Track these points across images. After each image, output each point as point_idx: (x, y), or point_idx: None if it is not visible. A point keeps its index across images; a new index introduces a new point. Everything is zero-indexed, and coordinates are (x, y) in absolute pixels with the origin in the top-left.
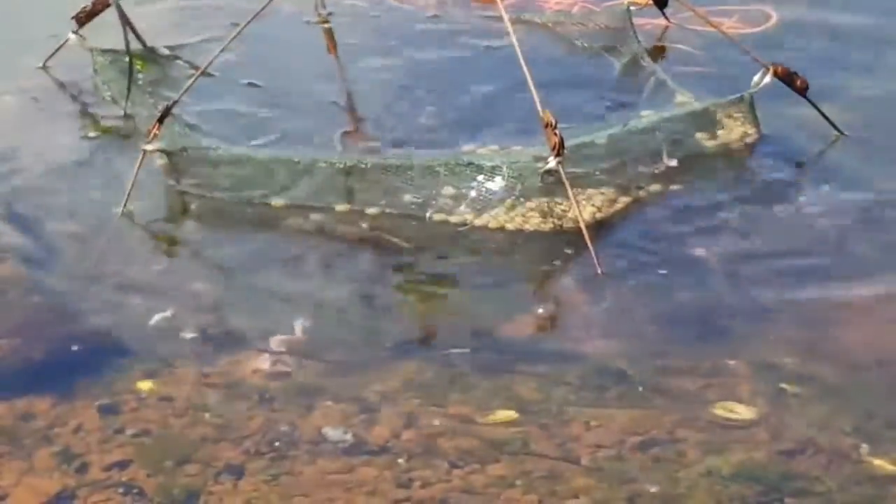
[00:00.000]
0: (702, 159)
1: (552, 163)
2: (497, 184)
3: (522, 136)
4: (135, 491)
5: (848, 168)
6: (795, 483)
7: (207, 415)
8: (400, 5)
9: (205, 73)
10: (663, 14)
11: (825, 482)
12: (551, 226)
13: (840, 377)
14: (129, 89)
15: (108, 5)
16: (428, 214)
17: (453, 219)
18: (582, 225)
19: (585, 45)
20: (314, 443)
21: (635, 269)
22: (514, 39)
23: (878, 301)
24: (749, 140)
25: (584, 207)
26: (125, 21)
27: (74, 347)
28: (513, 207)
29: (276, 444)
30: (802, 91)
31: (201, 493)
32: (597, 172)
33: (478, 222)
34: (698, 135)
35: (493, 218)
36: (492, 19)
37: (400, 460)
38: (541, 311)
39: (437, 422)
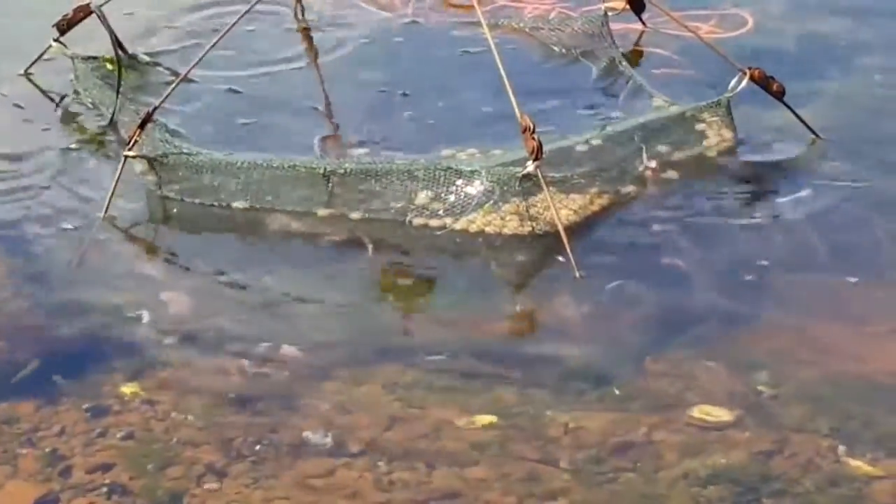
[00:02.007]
0: (679, 163)
1: (530, 167)
2: (476, 188)
3: (501, 141)
4: (118, 494)
5: (824, 171)
6: (773, 484)
7: (190, 418)
8: (378, 10)
9: (185, 79)
10: (640, 19)
11: (803, 483)
12: (529, 229)
13: (817, 379)
14: (117, 95)
15: (90, 13)
16: (407, 219)
17: (433, 223)
18: (560, 228)
19: (563, 50)
20: (295, 446)
21: (613, 272)
22: (491, 44)
23: (856, 303)
24: (726, 144)
25: (561, 211)
26: (108, 28)
27: (57, 351)
28: (491, 211)
29: (258, 447)
30: (779, 95)
31: (184, 496)
32: (575, 176)
33: (457, 226)
34: (675, 138)
35: (472, 222)
36: (469, 24)
37: (380, 463)
38: (519, 314)
39: (417, 425)
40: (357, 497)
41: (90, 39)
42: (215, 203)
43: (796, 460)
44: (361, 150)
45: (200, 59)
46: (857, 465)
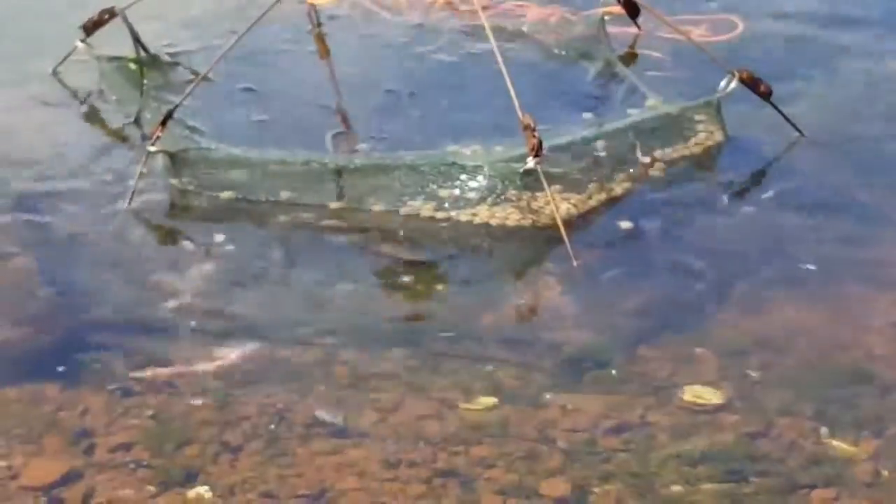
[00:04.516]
0: (672, 160)
1: (531, 163)
2: (479, 182)
3: (503, 138)
4: (138, 471)
5: (807, 167)
6: (759, 464)
7: (207, 399)
8: (387, 15)
9: (204, 79)
10: (635, 23)
11: (787, 463)
12: (530, 222)
13: (801, 365)
14: (141, 94)
15: (114, 16)
16: (414, 210)
17: (438, 215)
18: (558, 221)
19: (562, 52)
20: (307, 426)
21: (609, 262)
22: (494, 46)
23: (838, 293)
24: (715, 141)
25: (560, 204)
26: (132, 31)
27: (81, 336)
28: (494, 204)
29: (272, 426)
30: (766, 95)
31: (201, 473)
32: (573, 172)
33: (461, 218)
34: (668, 136)
35: (476, 214)
36: (474, 27)
37: (388, 442)
38: (520, 301)
39: (422, 406)
40: (365, 474)
41: (115, 40)
42: (232, 195)
43: (781, 441)
44: (371, 146)
45: (219, 60)
46: (839, 445)
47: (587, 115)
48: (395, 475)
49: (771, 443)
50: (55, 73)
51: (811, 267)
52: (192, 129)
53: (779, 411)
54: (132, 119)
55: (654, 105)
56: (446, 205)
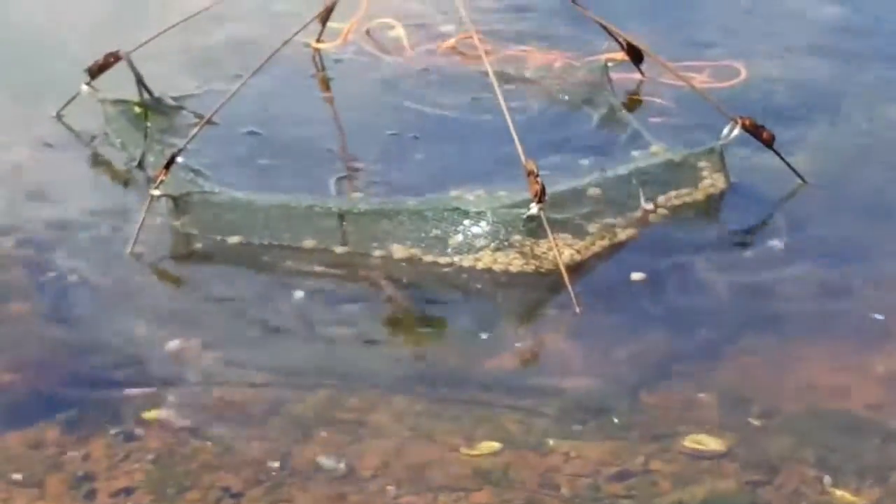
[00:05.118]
0: (674, 206)
1: (534, 209)
2: (482, 228)
3: (506, 183)
4: None
5: (810, 214)
6: None
7: (209, 443)
8: (392, 60)
9: (209, 123)
10: (638, 69)
11: None
12: (533, 267)
13: (803, 412)
14: (145, 138)
15: (119, 59)
16: (417, 256)
17: (441, 260)
18: (561, 267)
19: (565, 97)
20: (309, 471)
21: (611, 308)
22: (498, 92)
23: (840, 341)
24: (718, 188)
25: (563, 250)
26: (137, 74)
27: (82, 380)
28: (497, 250)
29: (273, 472)
30: (768, 142)
31: None
32: (576, 218)
33: (464, 264)
34: (671, 183)
35: (479, 260)
36: (477, 73)
37: (389, 488)
38: (523, 347)
39: (424, 451)
40: None
41: (119, 83)
42: (235, 239)
43: (784, 490)
44: (374, 191)
45: (223, 104)
46: (842, 494)
47: (590, 161)
48: None
49: (773, 491)
50: (59, 116)
51: (813, 315)
52: (196, 173)
53: (781, 459)
54: (136, 162)
55: (657, 151)
56: (449, 250)
